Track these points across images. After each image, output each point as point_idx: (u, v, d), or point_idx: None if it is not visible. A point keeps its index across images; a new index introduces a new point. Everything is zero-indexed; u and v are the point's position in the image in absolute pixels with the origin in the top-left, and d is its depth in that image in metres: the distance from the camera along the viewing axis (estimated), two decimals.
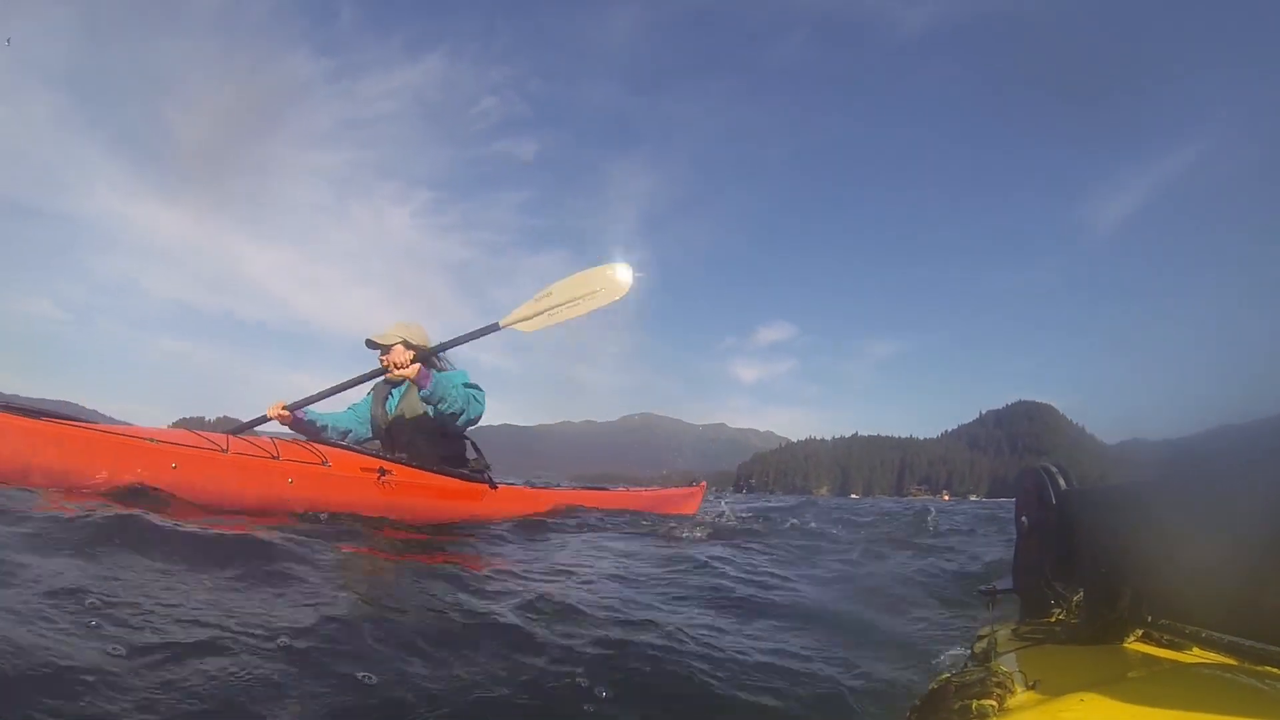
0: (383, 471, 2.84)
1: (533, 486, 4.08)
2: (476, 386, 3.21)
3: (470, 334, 3.21)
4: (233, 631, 1.17)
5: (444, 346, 3.18)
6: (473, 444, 3.39)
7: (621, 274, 3.22)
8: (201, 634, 1.13)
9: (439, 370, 3.28)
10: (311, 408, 3.25)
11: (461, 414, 3.05)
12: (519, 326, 3.21)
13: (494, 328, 3.22)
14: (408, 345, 3.27)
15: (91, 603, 1.19)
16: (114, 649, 1.01)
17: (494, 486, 3.27)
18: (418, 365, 2.97)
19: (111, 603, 1.21)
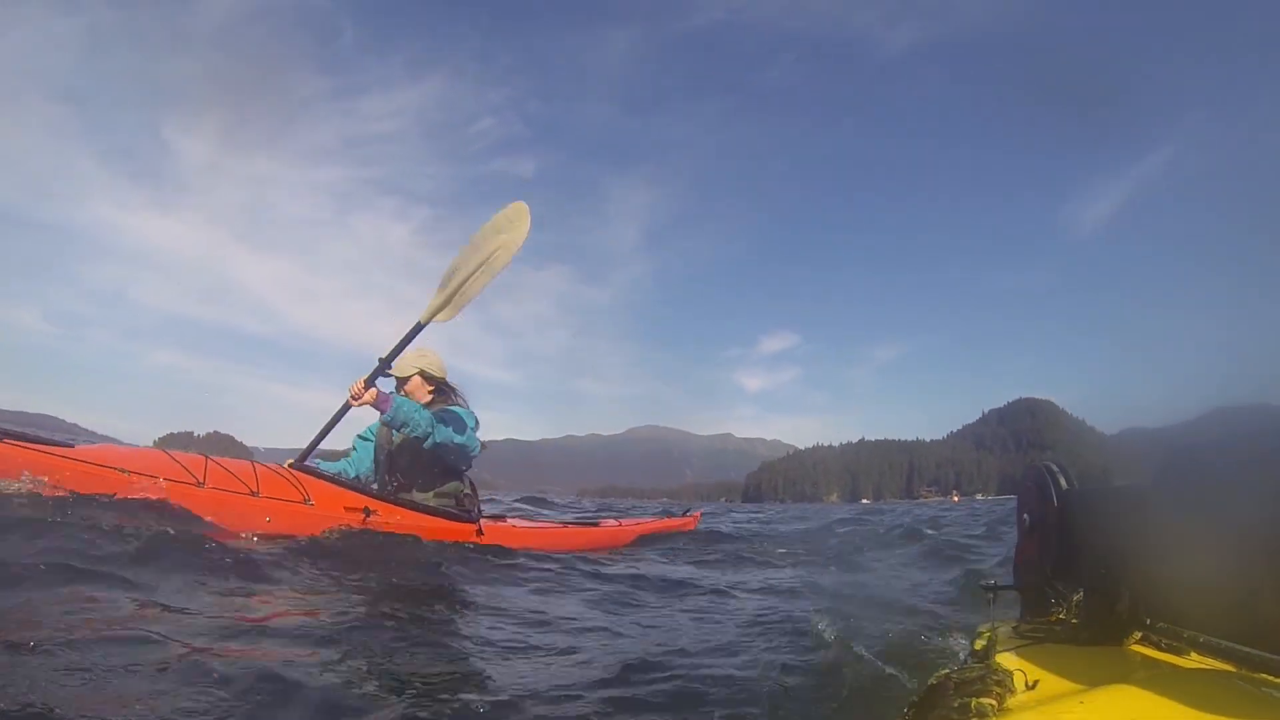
0: (368, 511, 2.74)
1: (526, 518, 3.94)
2: (458, 417, 3.10)
3: (403, 341, 2.98)
4: (185, 669, 1.14)
5: (386, 363, 2.95)
6: (470, 482, 3.29)
7: (515, 217, 2.95)
8: (158, 677, 1.10)
9: (451, 405, 3.23)
10: (317, 458, 3.16)
11: (428, 438, 2.93)
12: (440, 318, 3.01)
13: (419, 328, 2.99)
14: (425, 376, 3.26)
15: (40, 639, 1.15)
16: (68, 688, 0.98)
17: (480, 531, 3.17)
18: (374, 390, 2.86)
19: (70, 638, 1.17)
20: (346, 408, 2.93)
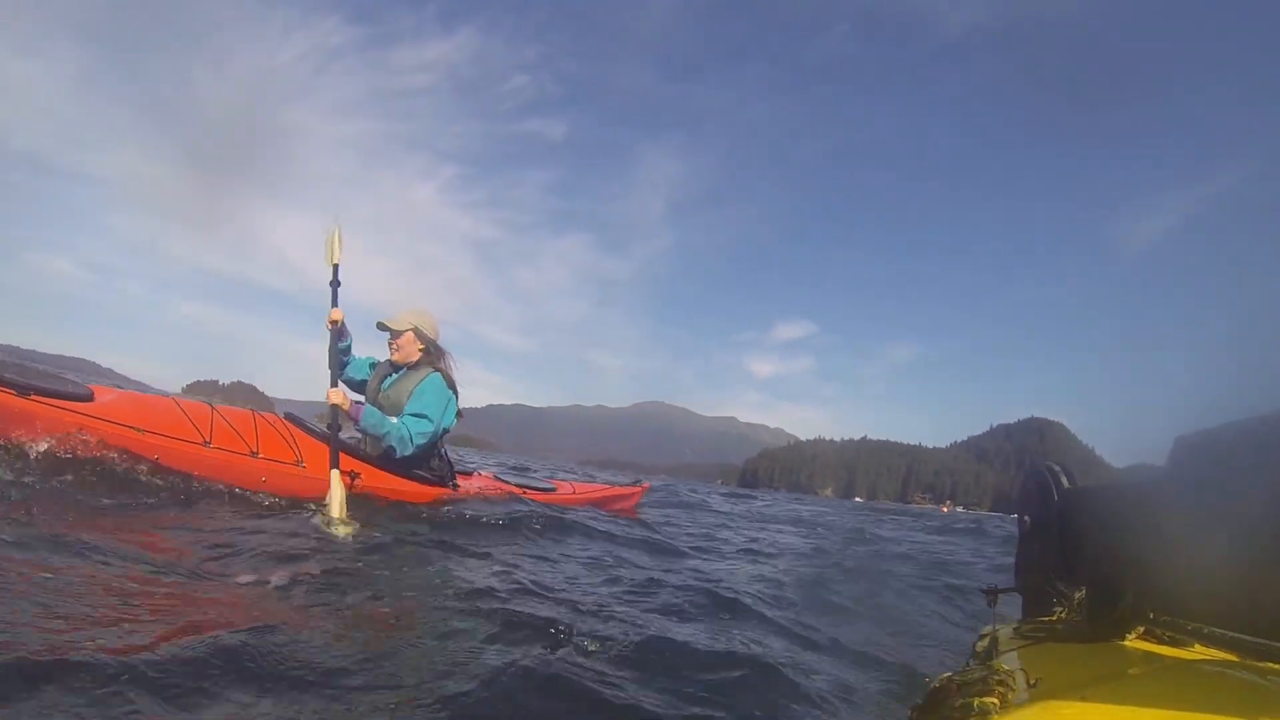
0: (354, 475, 2.90)
1: (499, 479, 4.26)
2: (426, 419, 3.15)
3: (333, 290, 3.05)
4: (150, 623, 1.17)
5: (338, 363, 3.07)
6: (445, 454, 3.48)
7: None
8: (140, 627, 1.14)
9: (436, 370, 3.27)
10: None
11: (395, 450, 3.05)
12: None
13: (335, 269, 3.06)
14: (418, 334, 3.27)
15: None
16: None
17: (452, 492, 3.41)
18: (343, 397, 2.97)
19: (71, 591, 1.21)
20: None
